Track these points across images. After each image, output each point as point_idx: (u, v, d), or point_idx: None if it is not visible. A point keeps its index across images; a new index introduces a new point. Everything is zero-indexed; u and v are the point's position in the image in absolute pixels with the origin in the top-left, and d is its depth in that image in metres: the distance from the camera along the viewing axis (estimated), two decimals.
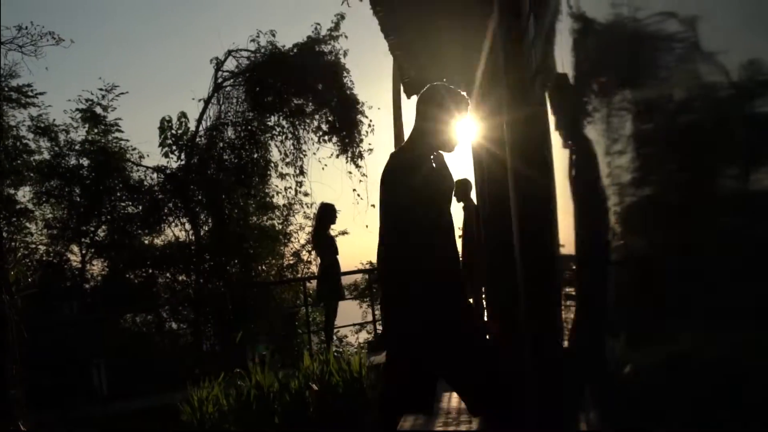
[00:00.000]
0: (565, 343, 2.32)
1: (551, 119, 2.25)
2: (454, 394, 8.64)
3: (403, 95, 9.63)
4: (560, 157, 2.10)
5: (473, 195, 10.67)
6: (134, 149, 19.40)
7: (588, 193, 1.75)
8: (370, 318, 15.92)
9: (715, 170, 1.03)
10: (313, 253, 18.96)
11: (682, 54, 1.13)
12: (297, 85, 18.59)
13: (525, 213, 2.81)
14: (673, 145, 1.19)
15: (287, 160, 19.49)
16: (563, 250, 2.19)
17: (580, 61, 1.83)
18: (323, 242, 11.74)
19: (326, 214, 11.82)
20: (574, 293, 2.16)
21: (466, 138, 10.23)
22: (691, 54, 1.08)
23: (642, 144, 1.36)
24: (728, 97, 0.92)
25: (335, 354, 9.55)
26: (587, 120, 1.75)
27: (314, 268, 19.03)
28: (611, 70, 1.57)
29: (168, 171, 19.07)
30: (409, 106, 9.63)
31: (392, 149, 11.61)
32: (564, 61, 1.98)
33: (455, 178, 10.57)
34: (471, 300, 10.88)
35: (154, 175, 19.30)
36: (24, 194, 18.93)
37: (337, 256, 11.70)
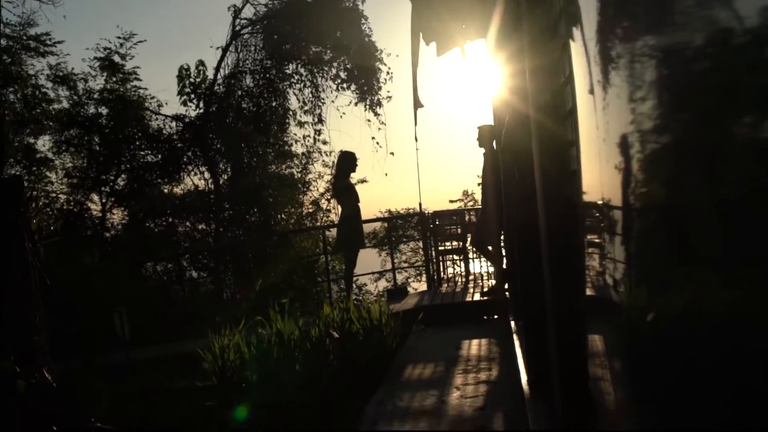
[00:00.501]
0: (589, 292, 2.31)
1: (575, 66, 2.22)
2: (474, 342, 8.70)
3: (422, 43, 9.51)
4: (584, 103, 2.08)
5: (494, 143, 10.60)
6: (153, 98, 19.46)
7: (613, 140, 1.73)
8: (389, 266, 15.99)
9: (744, 117, 1.00)
10: (333, 201, 19.03)
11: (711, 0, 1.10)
12: (315, 33, 18.50)
13: (547, 161, 2.78)
14: (698, 93, 1.16)
15: (305, 108, 19.50)
16: (586, 198, 2.18)
17: (606, 5, 1.80)
18: (343, 190, 11.71)
19: (346, 162, 11.78)
20: (598, 242, 2.15)
21: (484, 86, 10.17)
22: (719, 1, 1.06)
23: (670, 91, 1.33)
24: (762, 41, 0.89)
25: (355, 302, 9.60)
26: (612, 66, 1.72)
27: (333, 217, 19.13)
28: (637, 16, 1.54)
29: (186, 119, 19.11)
30: (428, 53, 9.52)
31: (410, 98, 11.56)
32: (589, 4, 1.94)
33: (479, 124, 10.53)
34: (490, 247, 10.91)
35: (173, 124, 19.37)
36: (44, 143, 19.06)
37: (358, 204, 11.69)
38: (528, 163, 3.40)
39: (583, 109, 2.09)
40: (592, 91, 1.90)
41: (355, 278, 15.59)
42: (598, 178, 1.91)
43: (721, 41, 1.07)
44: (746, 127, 1.01)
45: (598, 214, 2.06)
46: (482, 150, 10.81)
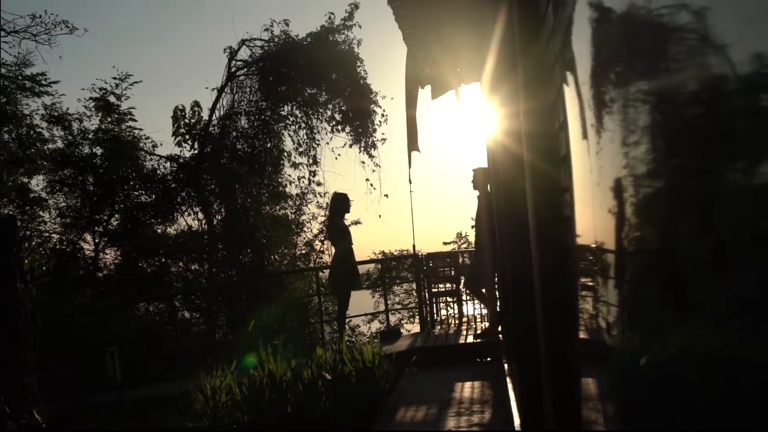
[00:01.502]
0: (584, 335, 2.31)
1: (569, 110, 2.24)
2: (467, 384, 8.67)
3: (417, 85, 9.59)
4: (578, 148, 2.10)
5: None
6: (147, 138, 19.55)
7: (606, 184, 1.74)
8: (382, 307, 15.96)
9: (735, 164, 1.02)
10: (326, 242, 19.02)
11: (705, 45, 1.11)
12: (310, 75, 18.60)
13: (541, 205, 2.80)
14: (693, 138, 1.18)
15: (300, 149, 19.53)
16: (580, 241, 2.19)
17: (600, 51, 1.82)
18: (337, 232, 11.73)
19: (340, 203, 11.81)
20: (591, 285, 2.16)
21: (479, 129, 10.23)
22: (714, 45, 1.07)
23: (662, 136, 1.35)
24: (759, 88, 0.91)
25: (348, 343, 9.57)
26: (606, 111, 1.74)
27: (327, 258, 19.10)
28: (632, 61, 1.56)
29: (181, 160, 19.15)
30: (423, 96, 9.58)
31: (405, 140, 11.60)
32: (583, 50, 1.97)
33: (474, 166, 10.58)
34: (483, 289, 10.90)
35: (167, 164, 19.41)
36: (38, 183, 19.06)
37: (351, 246, 11.70)
38: (522, 207, 3.41)
39: (577, 153, 2.11)
40: (585, 136, 1.92)
41: (348, 320, 15.56)
42: (592, 222, 1.92)
43: (711, 87, 1.09)
44: (736, 172, 1.02)
45: (591, 258, 2.07)
46: (476, 192, 10.84)
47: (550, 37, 2.62)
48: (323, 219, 19.20)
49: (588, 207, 1.97)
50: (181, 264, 19.34)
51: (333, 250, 12.21)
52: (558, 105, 2.51)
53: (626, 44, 1.59)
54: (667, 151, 1.32)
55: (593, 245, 1.96)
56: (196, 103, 19.07)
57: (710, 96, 1.10)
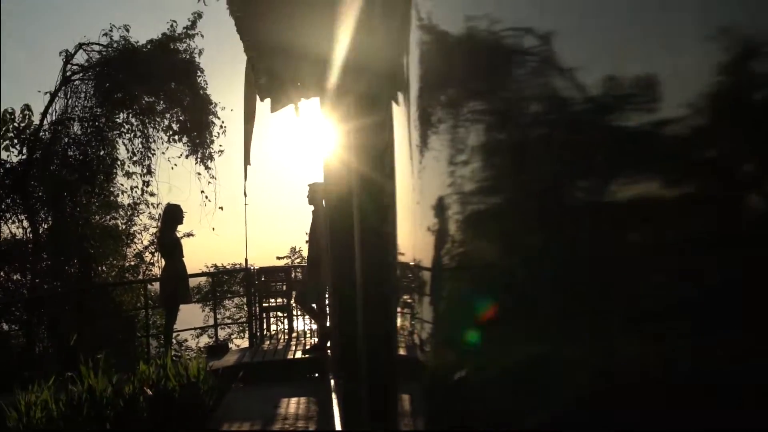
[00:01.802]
0: (401, 351, 2.33)
1: (396, 129, 2.26)
2: (293, 400, 8.63)
3: (256, 98, 9.51)
4: (402, 166, 2.12)
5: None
6: None
7: (428, 202, 1.76)
8: (212, 322, 15.75)
9: (553, 182, 1.04)
10: (156, 254, 18.63)
11: (530, 68, 1.14)
12: (149, 83, 18.21)
13: (365, 222, 2.81)
14: (507, 159, 1.20)
15: (135, 158, 19.07)
16: (401, 258, 2.21)
17: (425, 72, 1.84)
18: (168, 244, 11.52)
19: (172, 215, 11.61)
20: (411, 300, 2.18)
21: (317, 144, 10.24)
22: (541, 68, 1.10)
23: (481, 158, 1.37)
24: (577, 111, 0.94)
25: (174, 358, 9.37)
26: (429, 132, 1.76)
27: (157, 270, 18.70)
28: (452, 84, 1.58)
29: (8, 165, 18.33)
30: (262, 109, 9.51)
31: (242, 153, 11.50)
32: (412, 71, 1.99)
33: (310, 182, 10.60)
34: (314, 305, 10.91)
35: None
36: None
37: (183, 258, 11.51)
38: (349, 223, 3.42)
39: (401, 171, 2.13)
40: (410, 155, 1.94)
41: (176, 334, 15.25)
42: (411, 239, 1.94)
43: (531, 111, 1.11)
44: (545, 192, 1.04)
45: (410, 275, 2.09)
46: (311, 207, 10.87)
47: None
48: (155, 230, 18.81)
49: (408, 225, 1.99)
50: (1, 273, 18.50)
51: (163, 262, 11.99)
52: (387, 124, 2.53)
53: (448, 67, 1.61)
54: (484, 173, 1.34)
55: (411, 263, 1.99)
56: (27, 107, 18.33)
57: (525, 121, 1.13)
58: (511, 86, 1.21)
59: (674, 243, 0.70)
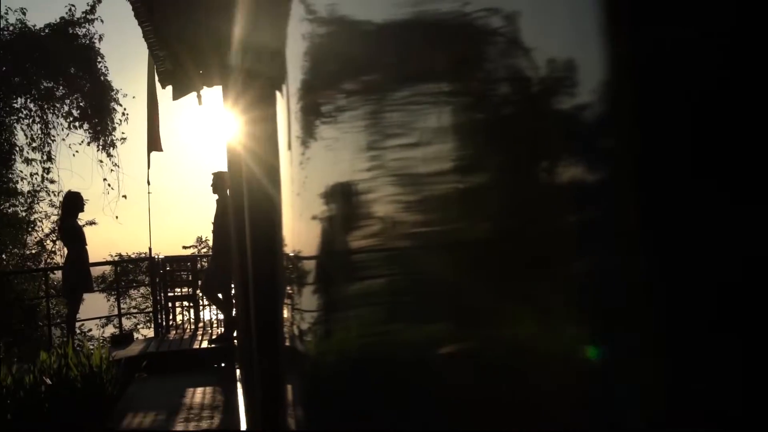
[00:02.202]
0: (286, 341, 2.39)
1: (279, 120, 2.30)
2: (199, 390, 8.61)
3: (158, 84, 9.40)
4: (284, 158, 2.16)
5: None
6: None
7: (308, 193, 1.81)
8: (116, 311, 15.51)
9: (437, 170, 1.08)
10: (58, 243, 18.25)
11: (405, 55, 1.18)
12: (47, 68, 17.78)
13: (253, 210, 2.86)
14: (394, 146, 1.24)
15: (34, 144, 18.61)
16: (287, 250, 2.26)
17: (303, 61, 1.89)
18: (70, 232, 11.32)
19: (73, 202, 11.41)
20: (291, 292, 2.23)
21: (220, 133, 10.17)
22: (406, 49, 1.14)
23: (356, 147, 1.41)
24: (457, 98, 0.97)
25: (76, 348, 9.24)
26: (308, 122, 1.81)
27: (59, 259, 18.33)
28: (333, 75, 1.62)
29: None
30: (165, 96, 9.42)
31: (146, 140, 11.37)
32: (292, 61, 2.03)
33: (214, 170, 10.55)
34: (220, 294, 10.87)
35: None
36: None
37: (85, 246, 11.33)
38: (243, 214, 3.46)
39: (284, 163, 2.18)
40: (289, 146, 1.98)
41: (80, 323, 14.98)
42: (291, 230, 1.99)
43: (418, 102, 1.16)
44: (426, 178, 1.10)
45: (291, 266, 2.14)
46: (216, 196, 10.81)
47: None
48: (56, 218, 18.42)
49: (289, 216, 2.04)
50: None
51: (66, 250, 11.79)
52: (270, 114, 2.57)
53: (324, 59, 1.66)
54: (359, 164, 1.40)
55: (292, 254, 2.03)
56: None
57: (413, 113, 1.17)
58: (382, 75, 1.27)
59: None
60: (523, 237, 0.77)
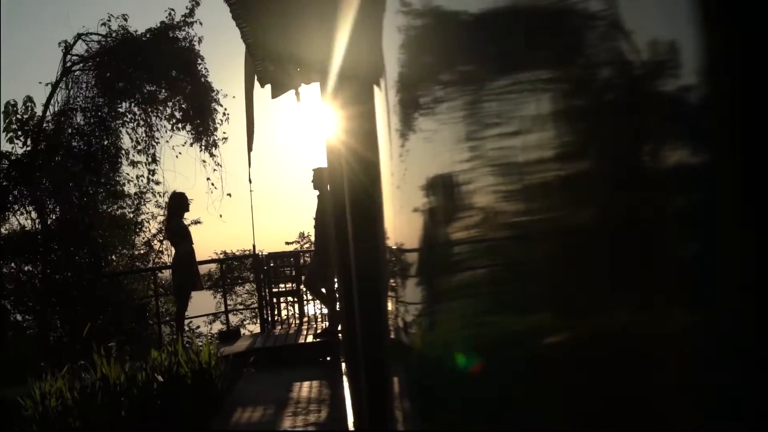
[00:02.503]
0: (391, 334, 2.38)
1: (378, 114, 2.29)
2: (305, 384, 8.70)
3: (256, 84, 9.51)
4: (384, 151, 2.15)
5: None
6: None
7: (408, 186, 1.80)
8: (223, 308, 15.79)
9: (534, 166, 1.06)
10: (165, 242, 18.68)
11: (509, 46, 1.16)
12: (149, 72, 18.19)
13: (355, 206, 2.85)
14: (482, 144, 1.23)
15: (139, 147, 19.07)
16: (389, 243, 2.25)
17: (402, 54, 1.87)
18: (177, 231, 11.57)
19: (178, 202, 11.66)
20: (395, 286, 2.22)
21: (319, 129, 10.25)
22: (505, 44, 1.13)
23: (457, 142, 1.40)
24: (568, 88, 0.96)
25: (186, 345, 9.45)
26: (407, 116, 1.80)
27: (166, 258, 18.76)
28: (433, 68, 1.61)
29: (13, 157, 18.35)
30: (263, 95, 9.52)
31: (245, 139, 11.54)
32: (389, 53, 2.02)
33: (314, 166, 10.64)
34: (323, 289, 10.96)
35: None
36: None
37: (191, 245, 11.56)
38: (344, 208, 3.47)
39: (384, 156, 2.17)
40: (390, 140, 1.97)
41: (188, 321, 15.31)
42: (393, 224, 1.98)
43: (515, 98, 1.14)
44: (531, 170, 1.08)
45: (394, 260, 2.13)
46: (317, 192, 10.90)
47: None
48: (162, 219, 18.86)
49: (390, 209, 2.03)
50: (13, 265, 18.57)
51: (173, 250, 12.05)
52: (370, 109, 2.56)
53: (422, 53, 1.64)
54: (458, 159, 1.38)
55: (394, 246, 2.02)
56: (29, 98, 18.32)
57: (507, 107, 1.15)
58: (480, 65, 1.25)
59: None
60: (627, 225, 0.75)
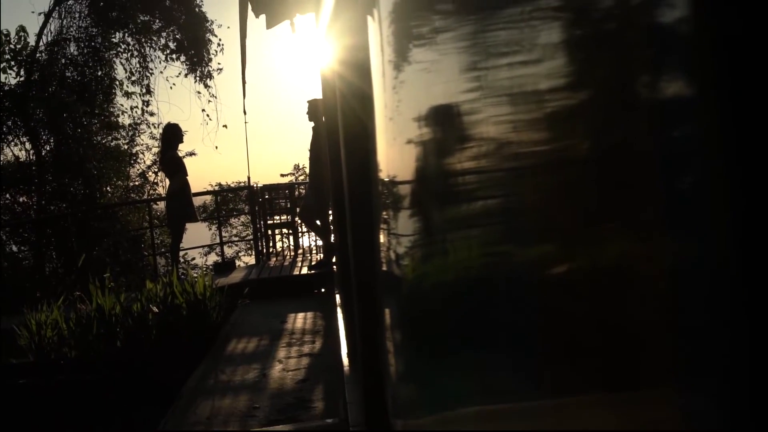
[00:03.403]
0: (383, 266, 2.39)
1: (371, 44, 2.27)
2: (300, 315, 8.76)
3: (250, 14, 9.40)
4: (377, 82, 2.13)
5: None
6: None
7: (401, 118, 1.78)
8: (218, 240, 15.84)
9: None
10: (160, 174, 18.69)
11: None
12: (143, 1, 18.01)
13: (349, 138, 2.84)
14: (479, 77, 1.21)
15: (133, 78, 19.00)
16: (382, 175, 2.24)
17: None
18: (171, 163, 11.53)
19: (173, 134, 11.58)
20: (386, 217, 2.22)
21: (314, 60, 10.18)
22: None
23: (453, 70, 1.38)
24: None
25: (181, 276, 9.49)
26: (402, 46, 1.77)
27: (161, 190, 18.80)
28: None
29: (6, 87, 18.24)
30: (258, 26, 9.41)
31: (239, 70, 11.44)
32: None
33: (309, 98, 10.59)
34: (318, 221, 10.98)
35: None
36: None
37: (186, 177, 11.52)
38: (338, 140, 3.45)
39: (377, 88, 2.15)
40: (384, 71, 1.95)
41: (183, 252, 15.36)
42: (386, 155, 1.97)
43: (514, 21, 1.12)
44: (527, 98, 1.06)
45: (385, 191, 2.12)
46: (312, 124, 10.85)
47: None
48: (157, 150, 18.85)
49: (383, 141, 2.02)
50: (8, 196, 18.58)
51: (167, 182, 12.02)
52: (363, 38, 2.53)
53: None
54: (454, 90, 1.36)
55: (387, 179, 2.01)
56: (22, 28, 18.17)
57: (511, 37, 1.13)
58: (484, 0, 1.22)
59: None
60: (631, 155, 0.74)
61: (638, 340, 0.72)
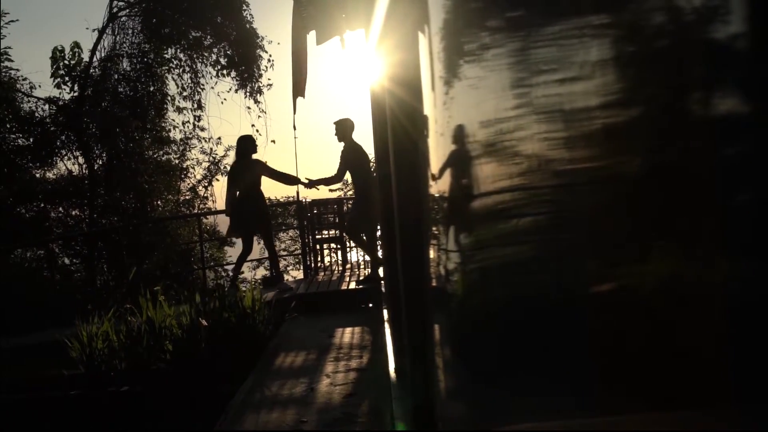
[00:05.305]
0: (433, 282, 2.38)
1: (422, 61, 2.27)
2: (347, 330, 8.77)
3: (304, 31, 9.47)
4: (428, 98, 2.14)
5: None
6: (25, 79, 18.75)
7: (448, 135, 1.78)
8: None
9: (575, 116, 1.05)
10: (210, 188, 18.86)
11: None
12: (195, 17, 18.21)
13: (399, 154, 2.84)
14: (530, 96, 1.21)
15: (184, 93, 19.21)
16: (432, 191, 2.24)
17: (448, 5, 1.85)
18: (248, 173, 11.54)
19: (248, 145, 11.60)
20: (436, 233, 2.21)
21: (364, 76, 10.24)
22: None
23: (502, 88, 1.38)
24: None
25: (237, 288, 9.55)
26: (452, 63, 1.77)
27: (211, 204, 18.97)
28: (478, 15, 1.59)
29: (60, 102, 18.53)
30: (308, 41, 9.47)
31: (290, 86, 11.52)
32: (438, 4, 1.99)
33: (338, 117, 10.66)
34: (364, 236, 11.00)
35: (46, 107, 18.74)
36: None
37: (260, 189, 11.49)
38: (388, 156, 3.46)
39: (428, 104, 2.15)
40: (434, 87, 1.95)
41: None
42: (437, 171, 1.97)
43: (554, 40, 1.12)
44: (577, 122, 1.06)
45: (436, 207, 2.12)
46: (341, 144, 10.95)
47: None
48: (207, 164, 19.02)
49: (434, 157, 2.02)
50: (60, 209, 18.85)
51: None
52: (414, 56, 2.54)
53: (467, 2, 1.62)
54: (504, 106, 1.36)
55: (437, 194, 2.01)
56: (76, 44, 18.45)
57: (559, 55, 1.13)
58: (530, 12, 1.23)
59: None
60: (677, 173, 0.73)
61: (697, 359, 0.71)
